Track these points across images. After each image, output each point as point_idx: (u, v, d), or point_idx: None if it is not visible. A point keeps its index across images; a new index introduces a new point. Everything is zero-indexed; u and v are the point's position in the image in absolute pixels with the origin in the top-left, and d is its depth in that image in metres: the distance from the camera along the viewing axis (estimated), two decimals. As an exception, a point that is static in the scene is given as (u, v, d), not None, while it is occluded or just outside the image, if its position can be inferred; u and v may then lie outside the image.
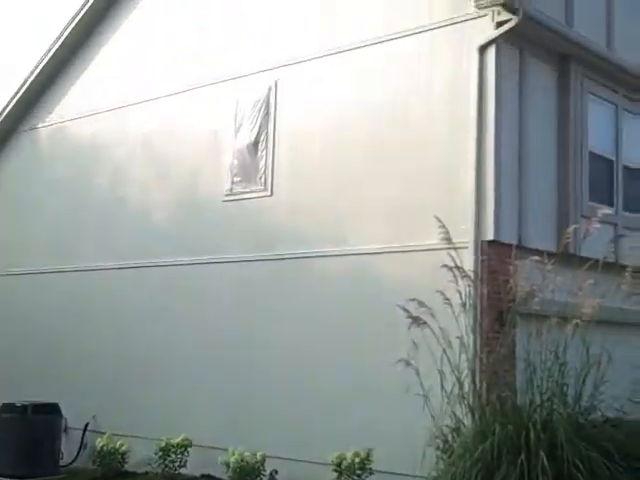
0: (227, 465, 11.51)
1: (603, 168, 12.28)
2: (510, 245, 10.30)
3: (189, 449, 12.38)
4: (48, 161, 16.95)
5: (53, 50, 16.57)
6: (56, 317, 15.76)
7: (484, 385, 9.19)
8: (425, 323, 9.14)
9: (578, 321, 8.66)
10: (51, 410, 13.95)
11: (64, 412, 14.14)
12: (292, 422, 11.81)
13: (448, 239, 9.38)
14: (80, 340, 15.17)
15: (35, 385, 15.13)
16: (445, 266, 9.22)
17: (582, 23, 11.97)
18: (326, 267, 12.03)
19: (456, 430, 9.22)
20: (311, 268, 12.22)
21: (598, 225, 9.51)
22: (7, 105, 17.38)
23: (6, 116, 17.44)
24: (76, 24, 16.19)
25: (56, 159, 16.75)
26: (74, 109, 16.46)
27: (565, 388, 8.92)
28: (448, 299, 9.17)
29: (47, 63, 16.71)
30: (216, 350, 13.05)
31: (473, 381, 9.29)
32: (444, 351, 9.16)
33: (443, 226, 9.38)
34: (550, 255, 9.65)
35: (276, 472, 11.24)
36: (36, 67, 16.86)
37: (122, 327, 14.56)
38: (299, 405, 11.84)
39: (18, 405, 13.78)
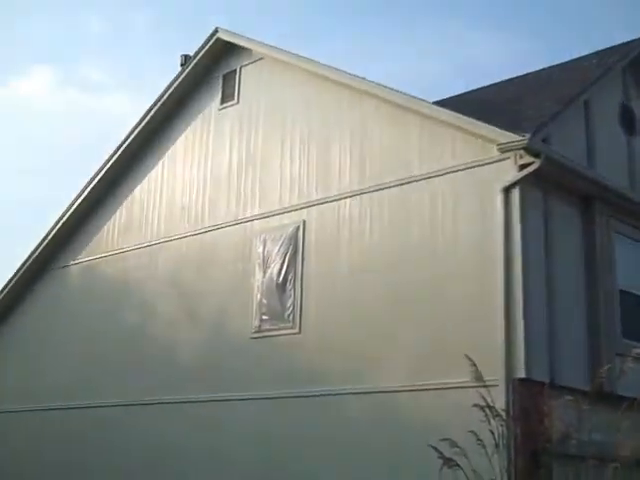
0: None
1: (635, 305, 12.25)
2: (542, 383, 10.23)
3: None
4: (76, 297, 17.18)
5: (87, 190, 17.12)
6: (81, 453, 15.57)
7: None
8: (457, 465, 8.98)
9: (617, 465, 8.48)
10: None
11: None
12: None
13: (479, 377, 9.33)
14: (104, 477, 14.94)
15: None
16: (477, 405, 9.13)
17: (604, 164, 12.27)
18: (355, 405, 11.92)
19: None
20: (339, 406, 12.11)
21: (632, 365, 9.46)
22: (39, 245, 17.81)
23: (38, 255, 17.84)
24: (110, 165, 16.78)
25: (84, 295, 17.00)
26: (105, 247, 16.83)
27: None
28: (481, 440, 9.04)
29: (81, 203, 17.23)
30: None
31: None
32: (479, 495, 8.97)
33: (473, 364, 9.35)
34: (584, 394, 9.58)
35: None
36: (70, 207, 17.38)
37: (147, 463, 14.34)
38: None
39: None
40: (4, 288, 18.32)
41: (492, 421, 9.21)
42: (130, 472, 14.54)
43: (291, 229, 13.47)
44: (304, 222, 13.35)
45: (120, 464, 14.72)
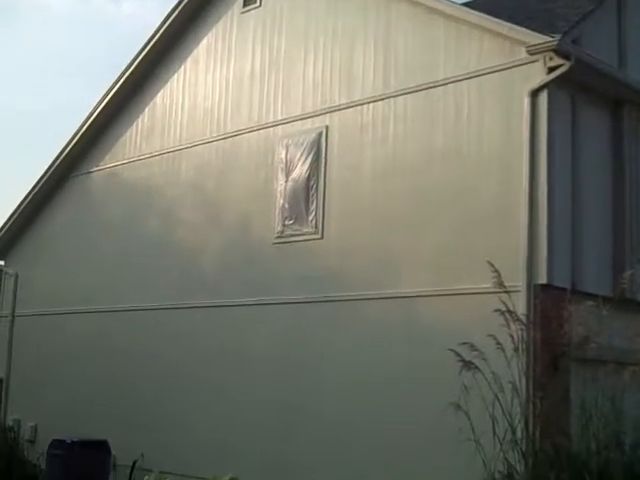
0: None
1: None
2: (564, 289, 10.21)
3: (236, 488, 12.35)
4: (100, 204, 17.29)
5: (109, 96, 17.00)
6: (106, 355, 15.95)
7: (537, 431, 9.05)
8: (477, 367, 9.05)
9: (636, 368, 8.50)
10: (100, 447, 14.10)
11: (113, 449, 14.23)
12: (340, 465, 11.71)
13: (500, 283, 9.32)
14: (131, 379, 15.29)
15: (85, 422, 15.28)
16: (498, 310, 9.14)
17: (635, 66, 11.94)
18: (376, 310, 11.99)
19: (508, 476, 9.08)
20: (361, 311, 12.20)
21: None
22: (63, 150, 17.81)
23: (62, 161, 17.86)
24: (131, 72, 16.59)
25: (108, 202, 17.09)
26: (127, 153, 16.79)
27: (622, 436, 8.75)
28: (500, 343, 9.08)
29: (102, 109, 17.14)
30: (264, 390, 13.07)
31: (526, 427, 9.16)
32: (496, 396, 9.05)
33: (495, 270, 9.32)
34: (605, 300, 9.56)
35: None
36: (92, 113, 17.32)
37: (170, 367, 14.64)
38: (350, 447, 11.74)
39: (67, 442, 13.94)
40: (29, 193, 18.42)
41: (512, 326, 9.23)
42: (156, 370, 14.88)
43: (314, 134, 13.33)
44: (327, 127, 13.19)
45: (150, 366, 15.02)
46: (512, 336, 9.21)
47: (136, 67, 16.50)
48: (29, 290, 18.31)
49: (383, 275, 12.05)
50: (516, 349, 9.25)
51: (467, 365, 9.02)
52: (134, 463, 14.45)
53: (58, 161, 17.96)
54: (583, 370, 9.55)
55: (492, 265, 9.33)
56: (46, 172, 18.13)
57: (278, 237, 13.56)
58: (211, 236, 14.69)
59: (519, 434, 9.13)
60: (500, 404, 9.06)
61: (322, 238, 12.98)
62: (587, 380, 9.23)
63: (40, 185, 18.28)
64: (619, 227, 11.44)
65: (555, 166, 10.62)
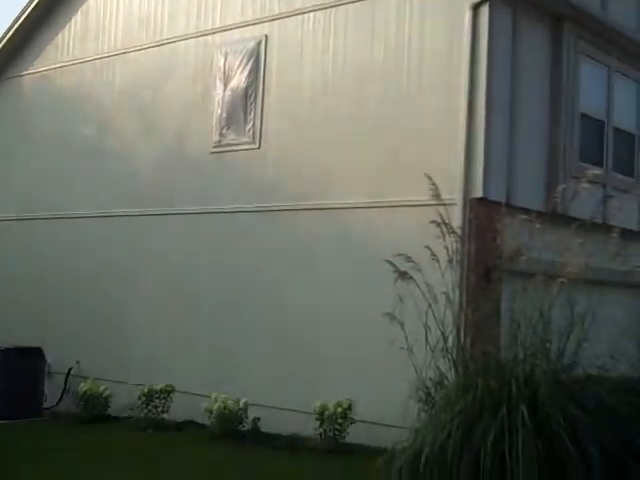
0: (210, 412, 11.65)
1: (594, 129, 12.35)
2: (498, 203, 10.34)
3: (172, 395, 12.51)
4: (31, 109, 16.79)
5: (37, -2, 16.33)
6: (40, 264, 15.77)
7: (468, 340, 9.29)
8: (411, 278, 9.18)
9: (564, 280, 8.74)
10: (34, 354, 14.08)
11: (48, 357, 14.23)
12: (276, 371, 11.96)
13: (437, 195, 9.40)
14: (64, 287, 15.21)
15: (19, 329, 15.15)
16: (433, 222, 9.23)
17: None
18: (313, 221, 12.08)
19: (439, 383, 9.31)
20: (296, 222, 12.27)
21: (587, 185, 9.57)
22: (-9, 52, 17.16)
23: (-8, 62, 17.22)
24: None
25: (40, 107, 16.59)
26: (60, 57, 16.28)
27: (548, 345, 9.04)
28: (435, 255, 9.22)
29: (33, 9, 16.47)
30: (199, 298, 13.16)
31: (457, 336, 9.39)
32: (430, 306, 9.24)
33: (433, 183, 9.38)
34: (538, 214, 9.74)
35: (259, 419, 11.36)
36: (22, 13, 16.61)
37: (107, 275, 14.59)
38: (283, 355, 11.98)
39: (2, 348, 13.87)
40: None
41: (447, 238, 9.35)
42: (88, 279, 14.84)
43: (253, 43, 13.12)
44: (266, 36, 13.00)
45: (86, 274, 14.94)
46: (447, 248, 9.32)
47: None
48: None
49: (319, 187, 12.09)
50: (450, 261, 9.39)
51: (402, 275, 9.13)
52: (69, 370, 14.49)
53: (-14, 63, 17.30)
54: (514, 282, 9.71)
55: (430, 178, 9.38)
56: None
57: (216, 146, 13.44)
58: (148, 146, 14.47)
59: (450, 343, 9.35)
60: (433, 314, 9.24)
61: (259, 148, 12.92)
62: (517, 292, 9.40)
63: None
64: (554, 143, 11.63)
65: (494, 82, 10.71)
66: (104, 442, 11.53)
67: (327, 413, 10.69)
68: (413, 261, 9.42)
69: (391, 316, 9.49)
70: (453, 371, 9.26)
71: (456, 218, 10.19)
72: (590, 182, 9.83)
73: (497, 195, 10.64)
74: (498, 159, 10.74)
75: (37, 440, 11.75)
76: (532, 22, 11.39)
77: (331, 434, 10.68)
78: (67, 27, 16.26)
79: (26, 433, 12.30)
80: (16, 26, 16.72)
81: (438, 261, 9.19)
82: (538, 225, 9.23)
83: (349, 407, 10.66)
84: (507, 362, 8.88)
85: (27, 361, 13.89)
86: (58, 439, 11.78)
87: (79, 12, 16.06)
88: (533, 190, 11.26)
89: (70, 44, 16.16)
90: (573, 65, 11.81)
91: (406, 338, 9.43)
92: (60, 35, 16.37)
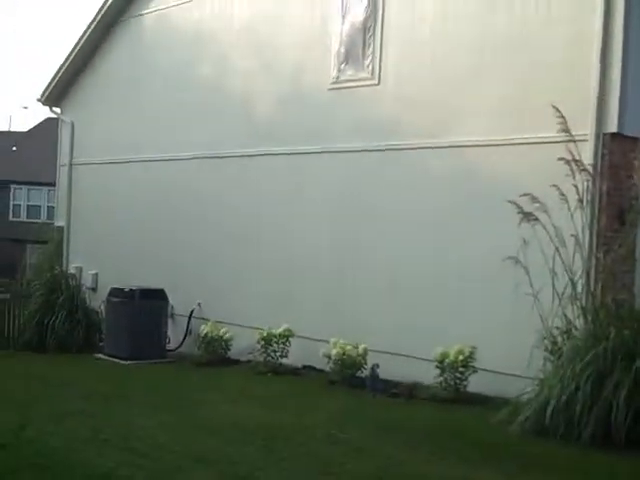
0: (328, 357, 11.47)
1: None
2: (635, 139, 9.58)
3: (291, 340, 12.38)
4: (152, 48, 16.72)
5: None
6: (162, 206, 15.87)
7: (599, 287, 8.67)
8: (537, 219, 8.61)
9: None
10: (158, 296, 14.26)
11: (170, 299, 14.36)
12: (395, 317, 11.59)
13: (566, 130, 8.72)
14: (186, 230, 15.22)
15: (142, 271, 15.39)
16: (562, 159, 8.59)
17: None
18: (433, 160, 11.53)
19: (567, 332, 8.80)
20: (417, 161, 11.74)
21: None
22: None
23: (112, 3, 17.22)
24: None
25: (160, 46, 16.51)
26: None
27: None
28: (564, 195, 8.59)
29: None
30: (318, 243, 12.87)
31: (587, 282, 8.79)
32: (557, 250, 8.65)
33: (561, 116, 8.70)
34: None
35: (378, 366, 11.05)
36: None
37: (226, 217, 14.51)
38: (403, 299, 11.58)
39: (126, 290, 14.12)
40: (80, 39, 17.92)
41: (577, 176, 8.69)
42: (212, 222, 14.78)
43: (372, -25, 12.50)
44: (386, -32, 12.35)
45: (207, 218, 14.91)
46: (577, 187, 8.69)
47: None
48: (86, 138, 18.13)
49: (441, 124, 11.48)
50: (580, 201, 8.75)
51: (527, 217, 8.57)
52: (191, 312, 14.61)
53: (107, 4, 17.31)
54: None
55: (558, 110, 8.69)
56: (95, 17, 17.50)
57: (334, 82, 12.99)
58: (265, 82, 14.15)
59: (579, 289, 8.76)
60: (561, 258, 8.66)
61: (379, 84, 12.38)
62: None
63: (90, 30, 17.68)
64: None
65: (632, 12, 9.72)
66: (236, 386, 11.47)
67: (448, 361, 10.27)
68: (539, 201, 8.87)
69: (515, 260, 9.02)
70: (582, 319, 8.72)
71: (587, 155, 9.44)
72: None
73: (633, 130, 9.77)
74: (635, 90, 9.82)
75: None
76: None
77: (452, 382, 10.28)
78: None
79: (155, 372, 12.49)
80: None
81: (567, 201, 8.58)
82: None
83: (471, 355, 10.21)
84: (643, 311, 8.26)
85: (151, 302, 14.09)
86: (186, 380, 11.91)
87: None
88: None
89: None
90: None
91: (531, 284, 8.96)
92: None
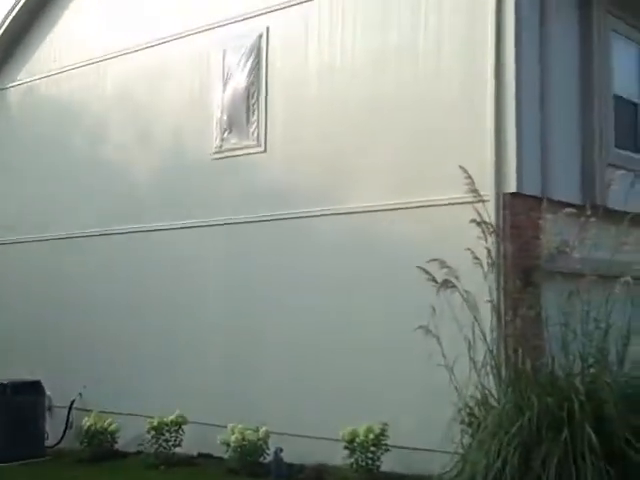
0: (227, 444, 10.63)
1: (628, 112, 11.33)
2: (535, 197, 9.43)
3: (184, 427, 11.49)
4: (18, 123, 15.79)
5: (18, 6, 15.34)
6: (35, 288, 14.74)
7: (515, 353, 8.28)
8: (454, 286, 8.18)
9: (628, 279, 7.75)
10: (33, 388, 13.08)
11: (47, 390, 13.21)
12: (298, 394, 10.91)
13: (474, 190, 8.43)
14: (63, 314, 14.13)
15: (15, 362, 14.13)
16: (473, 221, 8.25)
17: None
18: (329, 228, 11.04)
19: (484, 403, 8.34)
20: (312, 230, 11.24)
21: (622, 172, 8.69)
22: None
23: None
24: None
25: (27, 120, 15.61)
26: (46, 66, 15.28)
27: (606, 353, 8.06)
28: (478, 258, 8.23)
29: (13, 19, 15.47)
30: (211, 319, 12.11)
31: (503, 348, 8.40)
32: (474, 317, 8.25)
33: (469, 176, 8.39)
34: (579, 208, 8.81)
35: (281, 450, 10.32)
36: (0, 26, 15.61)
37: (107, 300, 13.52)
38: (305, 375, 10.90)
39: (-4, 384, 12.84)
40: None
41: (489, 238, 8.37)
42: (88, 301, 13.77)
43: (253, 37, 12.10)
44: (267, 29, 11.98)
45: (84, 299, 13.88)
46: (489, 250, 8.36)
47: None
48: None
49: (334, 189, 11.05)
50: (492, 264, 8.41)
51: (445, 284, 8.12)
52: (72, 403, 13.43)
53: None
54: (558, 284, 8.78)
55: (465, 171, 8.39)
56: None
57: (217, 152, 12.43)
58: (144, 154, 13.43)
59: (494, 356, 8.36)
60: (476, 325, 8.26)
61: (265, 151, 11.90)
62: (565, 295, 8.47)
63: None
64: (587, 129, 10.59)
65: (522, 64, 9.65)
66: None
67: (357, 440, 9.63)
68: (448, 266, 8.46)
69: (426, 329, 8.55)
70: (500, 388, 8.29)
71: (489, 216, 9.17)
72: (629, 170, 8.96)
73: (532, 189, 9.63)
74: (530, 149, 9.71)
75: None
76: (558, -1, 10.37)
77: (364, 463, 9.62)
78: (50, 36, 15.24)
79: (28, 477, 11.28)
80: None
81: (482, 265, 8.22)
82: (589, 219, 8.29)
83: (382, 432, 9.60)
84: (565, 376, 7.91)
85: (25, 397, 12.87)
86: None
87: (61, 19, 15.06)
88: (568, 181, 10.27)
89: (55, 52, 15.15)
90: (604, 43, 10.77)
91: (443, 353, 8.50)
92: (43, 44, 15.35)
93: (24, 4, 15.32)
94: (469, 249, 8.11)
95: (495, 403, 8.15)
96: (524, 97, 9.63)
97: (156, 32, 13.41)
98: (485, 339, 8.27)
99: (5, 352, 14.57)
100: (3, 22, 15.59)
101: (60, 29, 15.11)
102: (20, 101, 15.90)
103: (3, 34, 15.68)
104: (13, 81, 15.94)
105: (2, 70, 16.05)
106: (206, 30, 12.73)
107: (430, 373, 8.80)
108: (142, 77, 13.63)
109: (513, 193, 9.46)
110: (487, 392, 8.29)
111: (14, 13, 15.43)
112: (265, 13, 12.05)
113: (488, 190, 9.39)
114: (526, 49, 9.72)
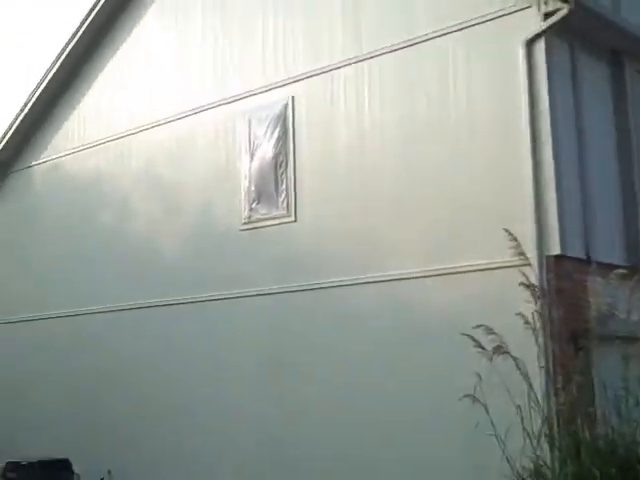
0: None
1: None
2: (579, 259, 9.15)
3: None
4: (44, 201, 15.74)
5: (43, 84, 15.52)
6: (63, 367, 14.44)
7: (574, 421, 7.90)
8: (507, 352, 7.85)
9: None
10: (61, 467, 12.73)
11: (76, 468, 12.79)
12: (338, 470, 10.46)
13: (521, 253, 8.18)
14: (93, 390, 13.84)
15: (44, 439, 13.83)
16: (522, 284, 7.98)
17: (632, 12, 10.88)
18: (363, 297, 10.76)
19: (539, 475, 7.93)
20: (346, 299, 10.95)
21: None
22: (-2, 146, 16.20)
23: (-1, 157, 16.25)
24: (67, 53, 15.12)
25: (52, 198, 15.55)
26: (70, 143, 15.28)
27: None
28: (529, 323, 7.92)
29: (37, 99, 15.66)
30: (239, 393, 11.76)
31: (559, 417, 8.04)
32: (530, 385, 7.91)
33: (514, 239, 8.15)
34: (623, 268, 8.56)
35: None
36: (26, 105, 15.81)
37: (138, 375, 13.20)
38: (350, 447, 10.46)
39: (24, 463, 12.55)
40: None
41: (537, 302, 8.08)
42: (119, 378, 13.46)
43: (279, 107, 12.04)
44: (293, 98, 11.92)
45: (108, 371, 13.60)
46: (538, 313, 8.05)
47: (75, 45, 14.99)
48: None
49: (368, 257, 10.81)
50: (543, 328, 8.10)
51: (497, 350, 7.79)
52: (100, 483, 13.05)
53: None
54: (608, 347, 8.46)
55: (510, 233, 8.15)
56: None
57: (246, 223, 12.25)
58: (171, 227, 13.28)
59: (548, 425, 7.99)
60: (533, 392, 7.91)
61: (295, 221, 11.71)
62: (612, 359, 8.15)
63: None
64: (628, 189, 10.38)
65: (558, 125, 9.51)
66: None
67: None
68: (494, 333, 8.15)
69: (472, 398, 8.20)
70: (555, 458, 7.90)
71: (532, 280, 8.87)
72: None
73: (575, 250, 9.35)
74: (571, 210, 9.48)
75: None
76: (590, 56, 10.27)
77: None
78: (77, 110, 15.27)
79: None
80: (20, 118, 15.86)
81: (533, 330, 7.90)
82: (632, 283, 8.02)
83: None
84: (627, 444, 7.53)
85: (53, 475, 12.48)
86: None
87: (87, 94, 15.11)
88: (612, 242, 10.02)
89: (81, 129, 15.18)
90: (638, 100, 10.63)
91: (491, 422, 8.13)
92: (69, 121, 15.41)
93: (46, 86, 15.43)
94: (520, 313, 7.81)
95: (549, 474, 7.74)
96: (562, 158, 9.47)
97: (181, 105, 13.42)
98: (539, 406, 7.90)
99: (35, 429, 14.24)
100: (26, 103, 15.73)
101: (85, 106, 15.15)
102: (44, 178, 15.85)
103: (27, 114, 15.77)
104: (37, 159, 15.94)
105: (27, 149, 16.07)
106: (231, 102, 12.70)
107: (476, 446, 8.42)
108: (167, 150, 13.58)
109: (557, 255, 9.18)
110: (542, 463, 7.90)
111: (38, 91, 15.57)
112: (289, 83, 12.00)
113: (530, 253, 9.10)
114: (561, 111, 9.60)
